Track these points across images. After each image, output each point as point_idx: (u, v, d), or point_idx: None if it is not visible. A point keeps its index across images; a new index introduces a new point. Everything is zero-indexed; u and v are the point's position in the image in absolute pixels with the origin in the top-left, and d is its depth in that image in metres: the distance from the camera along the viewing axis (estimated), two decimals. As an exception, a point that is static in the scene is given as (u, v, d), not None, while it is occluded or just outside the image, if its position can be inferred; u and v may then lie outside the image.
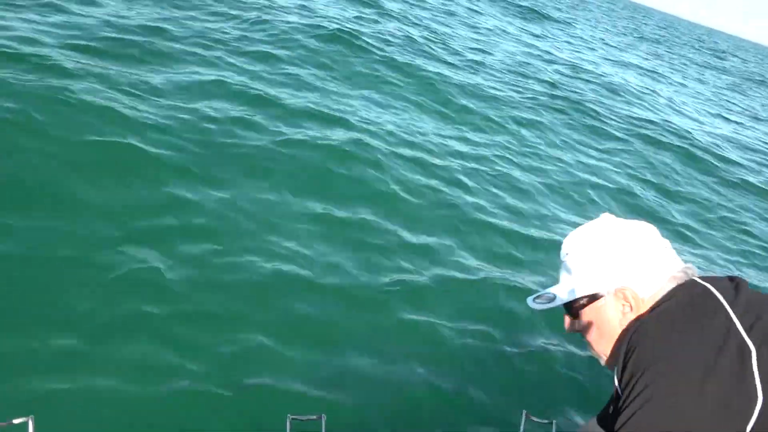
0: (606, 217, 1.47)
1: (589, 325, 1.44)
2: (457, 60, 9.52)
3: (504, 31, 14.32)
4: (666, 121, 10.42)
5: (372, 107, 6.24)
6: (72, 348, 2.44)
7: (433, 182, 4.99)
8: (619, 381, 1.28)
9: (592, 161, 7.27)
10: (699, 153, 9.09)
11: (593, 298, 1.41)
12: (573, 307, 1.45)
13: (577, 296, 1.43)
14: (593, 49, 17.39)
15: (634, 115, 10.09)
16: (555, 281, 1.50)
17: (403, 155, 5.24)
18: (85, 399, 2.28)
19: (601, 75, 12.89)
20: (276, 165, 4.32)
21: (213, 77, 5.36)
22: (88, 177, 3.41)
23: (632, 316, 1.37)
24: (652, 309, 1.34)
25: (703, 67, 25.39)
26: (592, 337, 1.45)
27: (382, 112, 6.21)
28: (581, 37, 19.17)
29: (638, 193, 6.80)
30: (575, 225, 1.54)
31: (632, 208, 6.30)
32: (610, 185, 6.69)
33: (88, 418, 2.22)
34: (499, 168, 5.93)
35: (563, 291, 1.46)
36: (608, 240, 1.41)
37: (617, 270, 1.38)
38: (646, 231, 1.42)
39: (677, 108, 12.50)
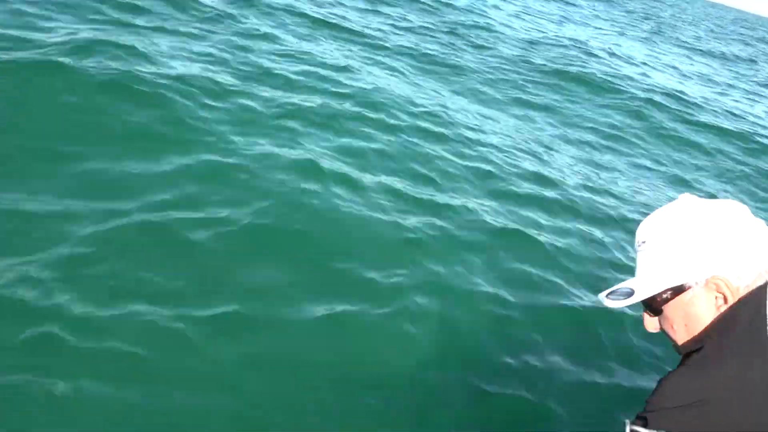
0: (686, 198, 1.28)
1: (674, 321, 1.26)
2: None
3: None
4: None
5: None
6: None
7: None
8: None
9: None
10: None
11: (679, 290, 1.22)
12: (655, 303, 1.26)
13: (660, 290, 1.24)
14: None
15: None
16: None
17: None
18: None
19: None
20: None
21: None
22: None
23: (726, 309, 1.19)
24: (747, 299, 1.17)
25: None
26: (678, 335, 1.26)
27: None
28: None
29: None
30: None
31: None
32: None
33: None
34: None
35: (642, 284, 1.26)
36: (693, 222, 1.22)
37: (707, 256, 1.19)
38: (736, 210, 1.23)
39: None
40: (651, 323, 1.32)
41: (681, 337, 1.25)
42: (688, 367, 1.15)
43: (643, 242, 1.28)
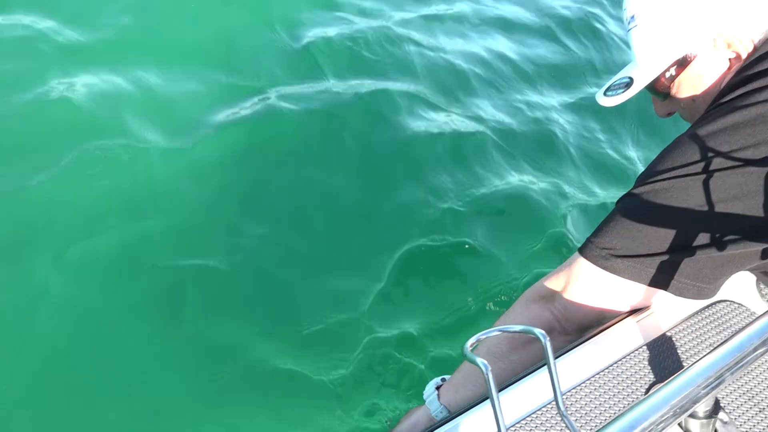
0: None
1: (686, 100, 1.14)
2: None
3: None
4: None
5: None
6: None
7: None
8: None
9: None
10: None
11: (684, 62, 1.09)
12: (660, 85, 1.13)
13: (662, 68, 1.11)
14: None
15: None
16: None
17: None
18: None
19: None
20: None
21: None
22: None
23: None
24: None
25: None
26: (693, 114, 1.14)
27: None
28: None
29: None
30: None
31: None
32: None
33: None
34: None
35: (641, 68, 1.13)
36: None
37: (708, 12, 1.05)
38: None
39: None
40: (662, 108, 1.21)
41: (697, 114, 1.12)
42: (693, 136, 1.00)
43: (632, 17, 1.13)
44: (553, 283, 1.11)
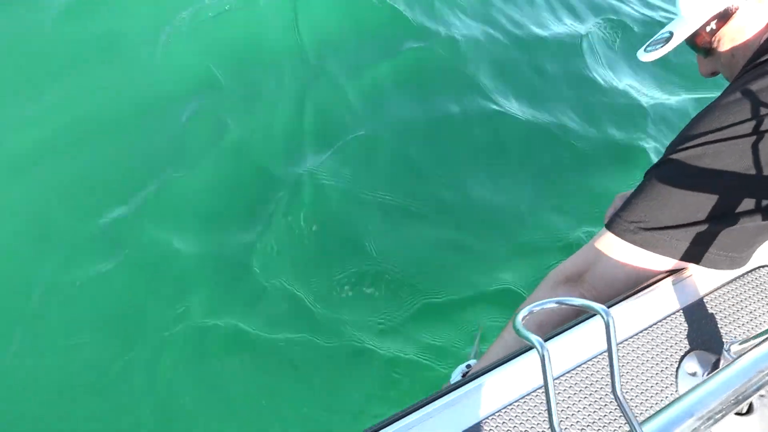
0: None
1: (726, 54, 1.10)
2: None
3: None
4: None
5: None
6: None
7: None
8: None
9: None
10: None
11: (725, 16, 1.06)
12: (701, 40, 1.10)
13: (702, 22, 1.08)
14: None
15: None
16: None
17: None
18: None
19: None
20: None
21: None
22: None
23: None
24: None
25: None
26: (735, 72, 1.09)
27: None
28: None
29: None
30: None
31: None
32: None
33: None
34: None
35: (682, 22, 1.10)
36: None
37: None
38: None
39: None
40: (705, 66, 1.17)
41: (736, 71, 1.08)
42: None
43: None
44: (580, 262, 1.05)
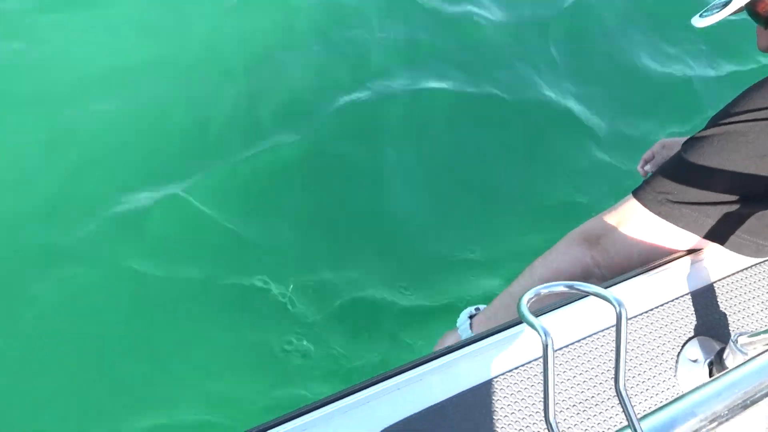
0: None
1: None
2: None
3: None
4: None
5: None
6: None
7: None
8: None
9: None
10: None
11: None
12: (763, 6, 1.00)
13: None
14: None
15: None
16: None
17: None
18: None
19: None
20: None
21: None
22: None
23: None
24: None
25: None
26: None
27: None
28: None
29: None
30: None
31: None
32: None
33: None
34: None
35: None
36: None
37: None
38: None
39: None
40: (765, 38, 1.06)
41: None
42: None
43: None
44: (601, 224, 1.01)
